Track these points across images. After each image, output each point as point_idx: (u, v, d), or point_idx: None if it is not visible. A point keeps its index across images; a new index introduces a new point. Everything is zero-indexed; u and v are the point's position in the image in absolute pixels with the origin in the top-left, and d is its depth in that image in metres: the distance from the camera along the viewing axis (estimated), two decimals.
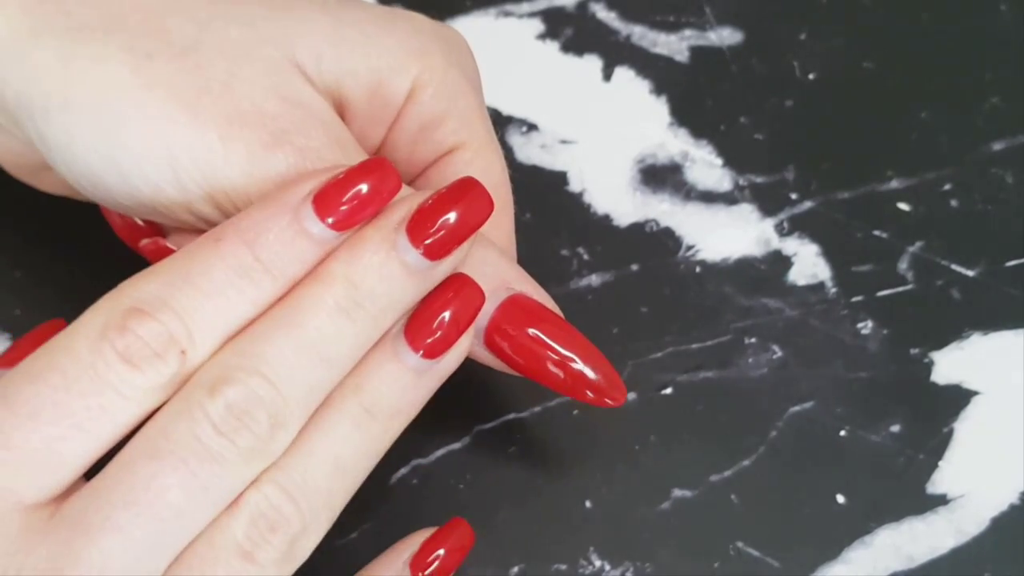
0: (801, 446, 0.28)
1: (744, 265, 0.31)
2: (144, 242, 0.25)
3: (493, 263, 0.23)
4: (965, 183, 0.33)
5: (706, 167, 0.33)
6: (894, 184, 0.33)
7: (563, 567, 0.26)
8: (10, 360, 0.24)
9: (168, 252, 0.25)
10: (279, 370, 0.19)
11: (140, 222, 0.26)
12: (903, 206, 0.32)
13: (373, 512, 0.26)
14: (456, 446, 0.27)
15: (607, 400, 0.23)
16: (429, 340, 0.21)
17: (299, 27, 0.23)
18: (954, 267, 0.31)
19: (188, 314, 0.19)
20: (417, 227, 0.20)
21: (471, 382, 0.28)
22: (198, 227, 0.23)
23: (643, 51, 0.35)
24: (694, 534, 0.27)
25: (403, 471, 0.27)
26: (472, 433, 0.28)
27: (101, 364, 0.19)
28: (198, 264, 0.20)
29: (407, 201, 0.21)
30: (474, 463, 0.27)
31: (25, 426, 0.18)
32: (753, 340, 0.30)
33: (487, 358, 0.23)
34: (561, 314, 0.24)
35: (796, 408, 0.29)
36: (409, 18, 0.24)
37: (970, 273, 0.31)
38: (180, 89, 0.21)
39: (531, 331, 0.23)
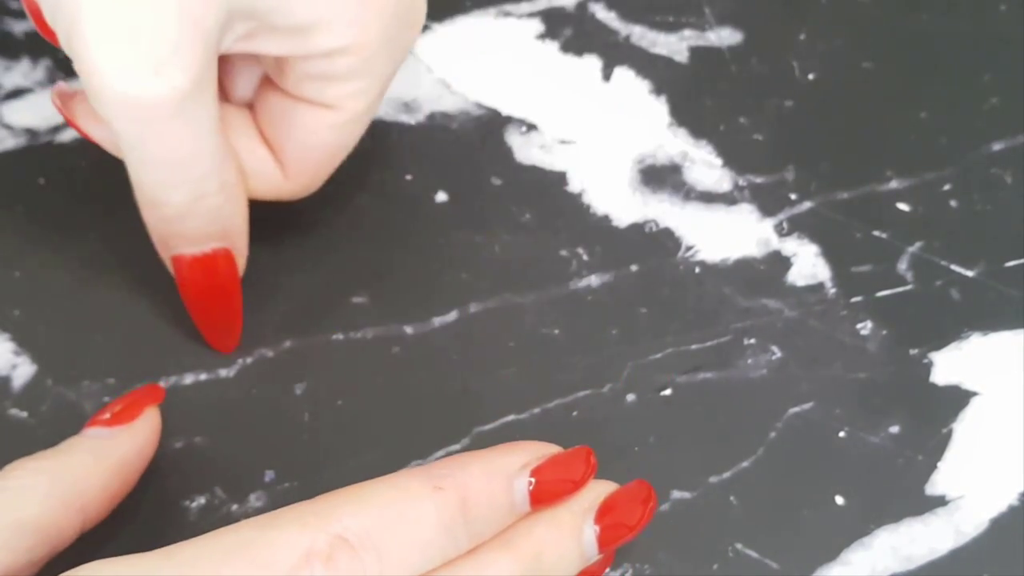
0: (800, 447, 0.28)
1: (743, 265, 0.31)
2: (57, 89, 0.26)
3: (233, 215, 0.26)
4: (965, 183, 0.33)
5: (706, 167, 0.33)
6: (894, 184, 0.33)
7: None
8: (106, 422, 0.25)
9: (63, 111, 0.26)
10: None
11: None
12: (903, 206, 0.32)
13: None
14: (455, 448, 0.27)
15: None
16: (611, 524, 0.22)
17: None
18: (954, 267, 0.31)
19: (389, 560, 0.19)
20: (604, 517, 0.22)
21: (470, 384, 0.28)
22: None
23: (643, 51, 0.35)
24: (693, 535, 0.27)
25: None
26: (471, 435, 0.28)
27: None
28: (412, 509, 0.20)
29: (595, 489, 0.22)
30: None
31: None
32: (752, 341, 0.30)
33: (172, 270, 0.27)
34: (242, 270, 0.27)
35: (795, 409, 0.29)
36: None
37: (970, 273, 0.31)
38: None
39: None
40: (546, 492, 0.21)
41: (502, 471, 0.21)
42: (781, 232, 0.32)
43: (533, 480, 0.21)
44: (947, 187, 0.33)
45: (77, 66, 0.22)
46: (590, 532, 0.22)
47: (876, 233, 0.32)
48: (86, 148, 0.32)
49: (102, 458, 0.24)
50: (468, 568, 0.20)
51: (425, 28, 0.34)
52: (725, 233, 0.32)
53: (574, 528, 0.22)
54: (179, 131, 0.23)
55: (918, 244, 0.32)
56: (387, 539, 0.19)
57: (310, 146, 0.26)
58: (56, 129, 0.32)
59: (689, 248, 0.31)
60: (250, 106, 0.28)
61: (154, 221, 0.26)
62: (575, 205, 0.32)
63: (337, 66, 0.25)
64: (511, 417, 0.28)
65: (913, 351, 0.30)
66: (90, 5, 0.21)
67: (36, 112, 0.32)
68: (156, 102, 0.22)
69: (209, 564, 0.19)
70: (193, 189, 0.24)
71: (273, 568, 0.19)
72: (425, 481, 0.20)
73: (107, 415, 0.25)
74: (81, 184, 0.31)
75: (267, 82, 0.27)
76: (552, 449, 0.22)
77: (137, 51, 0.22)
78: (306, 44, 0.24)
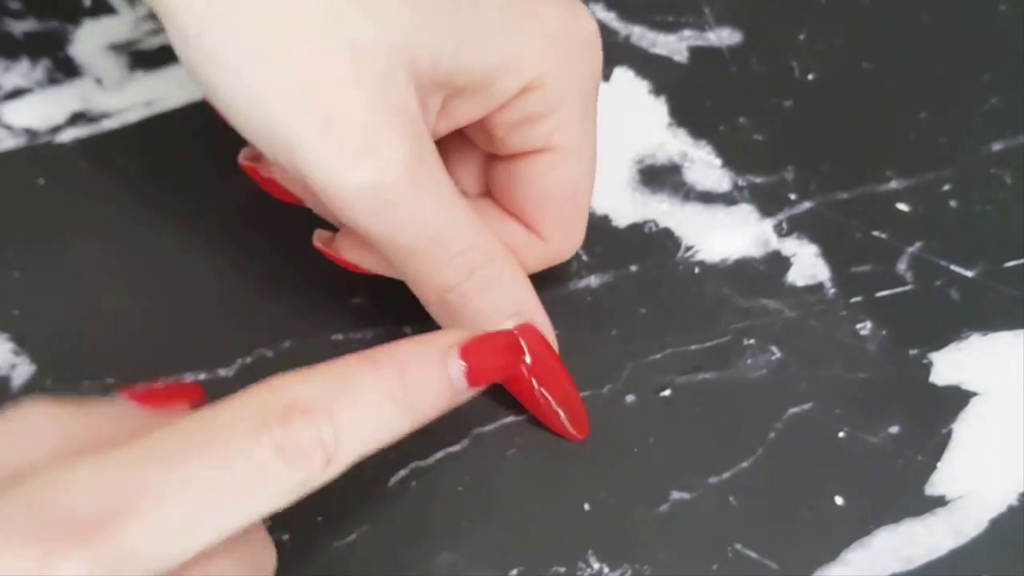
0: (800, 447, 0.28)
1: (743, 266, 0.31)
2: (243, 157, 0.27)
3: (517, 288, 0.26)
4: (964, 184, 0.33)
5: (705, 167, 0.33)
6: (893, 185, 0.33)
7: (562, 569, 0.26)
8: (139, 398, 0.24)
9: (256, 174, 0.27)
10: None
11: None
12: (902, 207, 0.32)
13: (371, 515, 0.26)
14: (455, 448, 0.27)
15: (566, 433, 0.28)
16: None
17: (423, 28, 0.23)
18: (953, 268, 0.31)
19: (341, 424, 0.20)
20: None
21: None
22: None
23: (642, 51, 0.35)
24: (693, 536, 0.27)
25: (402, 473, 0.27)
26: (471, 435, 0.28)
27: (257, 451, 0.19)
28: (355, 379, 0.21)
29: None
30: (473, 465, 0.27)
31: (176, 493, 0.18)
32: (752, 341, 0.30)
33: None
34: (556, 347, 0.27)
35: (795, 409, 0.29)
36: (540, 16, 0.25)
37: (969, 274, 0.31)
38: (298, 74, 0.22)
39: (527, 360, 0.26)
40: (479, 374, 0.23)
41: (433, 349, 0.23)
42: (781, 232, 0.32)
43: (464, 363, 0.23)
44: (947, 187, 0.33)
45: (311, 184, 0.23)
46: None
47: (876, 233, 0.32)
48: (86, 148, 0.32)
49: (119, 432, 0.22)
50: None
51: None
52: (725, 233, 0.32)
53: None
54: (419, 206, 0.23)
55: (918, 244, 0.32)
56: (335, 406, 0.20)
57: (547, 195, 0.27)
58: (56, 129, 0.32)
59: (689, 248, 0.31)
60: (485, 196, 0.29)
61: (448, 319, 0.26)
62: None
63: (531, 104, 0.25)
64: (511, 418, 0.28)
65: (913, 351, 0.30)
66: (293, 119, 0.22)
67: (36, 112, 0.32)
68: (382, 181, 0.23)
69: (167, 449, 0.19)
70: (462, 264, 0.25)
71: (228, 436, 0.19)
72: (362, 359, 0.22)
73: (142, 390, 0.24)
74: (81, 184, 0.31)
75: (487, 162, 0.28)
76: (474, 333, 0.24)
77: (350, 139, 0.22)
78: (494, 95, 0.25)
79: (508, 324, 0.26)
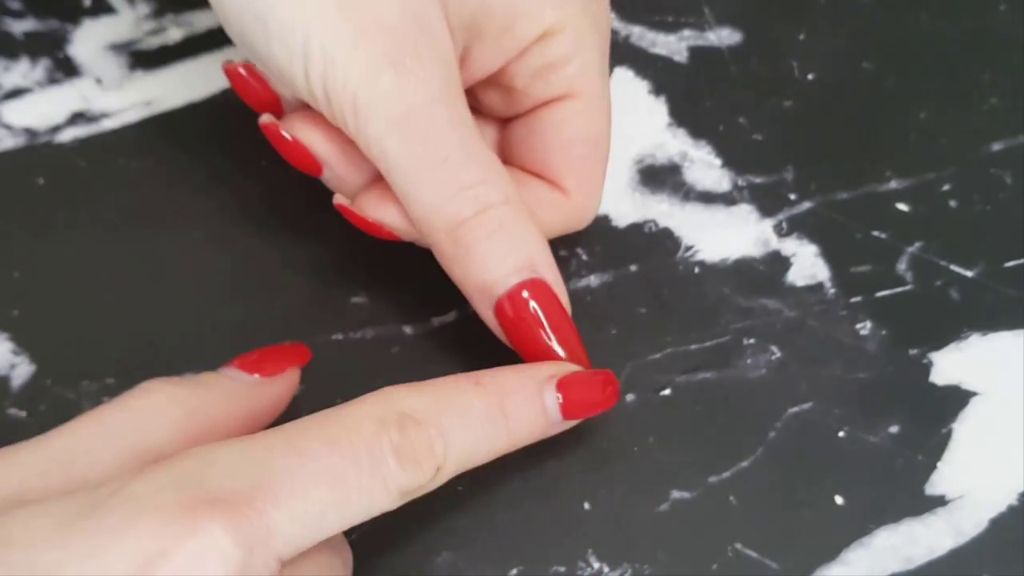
0: (800, 447, 0.28)
1: (743, 266, 0.31)
2: (264, 118, 0.26)
3: (531, 240, 0.25)
4: (964, 184, 0.33)
5: (705, 167, 0.33)
6: (893, 184, 0.33)
7: (562, 569, 0.26)
8: (250, 365, 0.25)
9: (279, 136, 0.26)
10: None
11: (277, 91, 0.27)
12: (902, 206, 0.32)
13: None
14: None
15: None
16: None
17: None
18: (953, 268, 0.31)
19: (449, 437, 0.22)
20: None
21: None
22: (314, 106, 0.25)
23: (642, 51, 0.35)
24: (692, 535, 0.27)
25: None
26: None
27: (377, 451, 0.20)
28: (461, 397, 0.22)
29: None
30: None
31: (312, 481, 0.19)
32: (752, 341, 0.30)
33: (492, 323, 0.25)
34: (569, 308, 0.26)
35: (795, 409, 0.29)
36: None
37: (969, 274, 0.31)
38: None
39: (535, 318, 0.25)
40: (574, 407, 0.24)
41: (533, 379, 0.24)
42: (780, 232, 0.32)
43: (560, 395, 0.24)
44: (947, 187, 0.33)
45: (339, 102, 0.24)
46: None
47: (876, 233, 0.32)
48: (85, 148, 0.32)
49: (236, 405, 0.23)
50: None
51: None
52: (724, 233, 0.32)
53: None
54: (438, 124, 0.24)
55: (918, 244, 0.32)
56: (443, 419, 0.22)
57: (569, 142, 0.27)
58: (55, 129, 0.32)
59: (688, 248, 0.31)
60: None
61: (457, 264, 0.25)
62: None
63: (552, 49, 0.26)
64: None
65: (913, 351, 0.30)
66: (329, 30, 0.23)
67: (35, 112, 0.32)
68: (405, 92, 0.23)
69: (301, 440, 0.20)
70: (474, 197, 0.24)
71: (355, 435, 0.20)
72: (468, 378, 0.23)
73: (254, 358, 0.24)
74: (81, 184, 0.31)
75: (502, 133, 0.29)
76: (574, 368, 0.25)
77: (381, 49, 0.23)
78: (514, 38, 0.25)
79: (515, 278, 0.24)
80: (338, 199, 0.27)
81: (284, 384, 0.25)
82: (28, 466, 0.20)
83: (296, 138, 0.26)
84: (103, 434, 0.21)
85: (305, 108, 0.26)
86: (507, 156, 0.28)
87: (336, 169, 0.26)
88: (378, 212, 0.26)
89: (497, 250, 0.24)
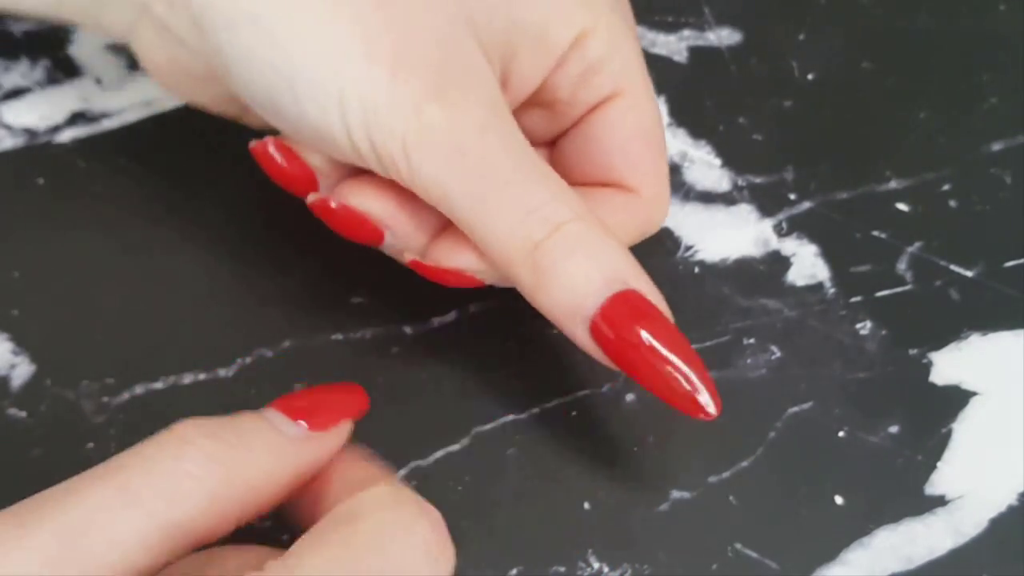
0: (799, 447, 0.28)
1: (743, 265, 0.31)
2: (311, 197, 0.25)
3: (612, 251, 0.23)
4: (964, 183, 0.33)
5: (705, 167, 0.33)
6: (893, 184, 0.33)
7: (561, 569, 0.26)
8: (294, 410, 0.21)
9: (329, 209, 0.25)
10: None
11: (312, 165, 0.25)
12: (902, 206, 0.32)
13: None
14: (455, 448, 0.27)
15: (700, 410, 0.23)
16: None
17: None
18: (953, 267, 0.31)
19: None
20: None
21: (470, 384, 0.28)
22: (358, 163, 0.24)
23: (642, 51, 0.35)
24: (692, 535, 0.27)
25: (401, 473, 0.27)
26: (471, 435, 0.28)
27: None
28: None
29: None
30: (473, 465, 0.27)
31: None
32: (752, 341, 0.30)
33: (591, 347, 0.23)
34: (671, 316, 0.24)
35: (795, 409, 0.29)
36: None
37: (969, 274, 0.31)
38: (363, 24, 0.22)
39: (637, 330, 0.23)
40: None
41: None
42: (780, 232, 0.32)
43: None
44: (946, 187, 0.33)
45: (384, 143, 0.23)
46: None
47: (875, 233, 0.32)
48: (85, 148, 0.32)
49: (281, 465, 0.20)
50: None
51: None
52: (724, 233, 0.32)
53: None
54: (492, 151, 0.23)
55: (917, 244, 0.32)
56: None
57: (628, 139, 0.26)
58: (55, 129, 0.32)
59: (688, 248, 0.31)
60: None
61: (542, 291, 0.23)
62: None
63: (590, 51, 0.25)
64: (511, 417, 0.28)
65: (912, 351, 0.30)
66: (363, 73, 0.22)
67: (35, 112, 0.32)
68: (453, 123, 0.22)
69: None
70: (543, 218, 0.23)
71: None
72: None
73: (303, 403, 0.21)
74: (81, 184, 0.31)
75: (554, 149, 0.28)
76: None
77: (422, 81, 0.22)
78: (550, 48, 0.25)
79: (606, 292, 0.22)
80: (408, 255, 0.25)
81: (334, 440, 0.21)
82: (38, 551, 0.17)
83: (347, 206, 0.25)
84: (126, 503, 0.18)
85: (346, 177, 0.25)
86: (565, 176, 0.26)
87: (397, 228, 0.25)
88: (454, 259, 0.25)
89: (579, 268, 0.23)
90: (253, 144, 0.25)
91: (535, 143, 0.28)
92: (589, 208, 0.23)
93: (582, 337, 0.23)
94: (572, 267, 0.22)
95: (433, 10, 0.23)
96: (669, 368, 0.23)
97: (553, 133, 0.28)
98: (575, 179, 0.27)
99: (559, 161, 0.28)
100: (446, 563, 0.20)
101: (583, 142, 0.27)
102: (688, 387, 0.23)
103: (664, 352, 0.23)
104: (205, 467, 0.18)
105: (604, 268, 0.23)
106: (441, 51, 0.23)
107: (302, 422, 0.21)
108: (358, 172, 0.25)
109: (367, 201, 0.25)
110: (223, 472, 0.19)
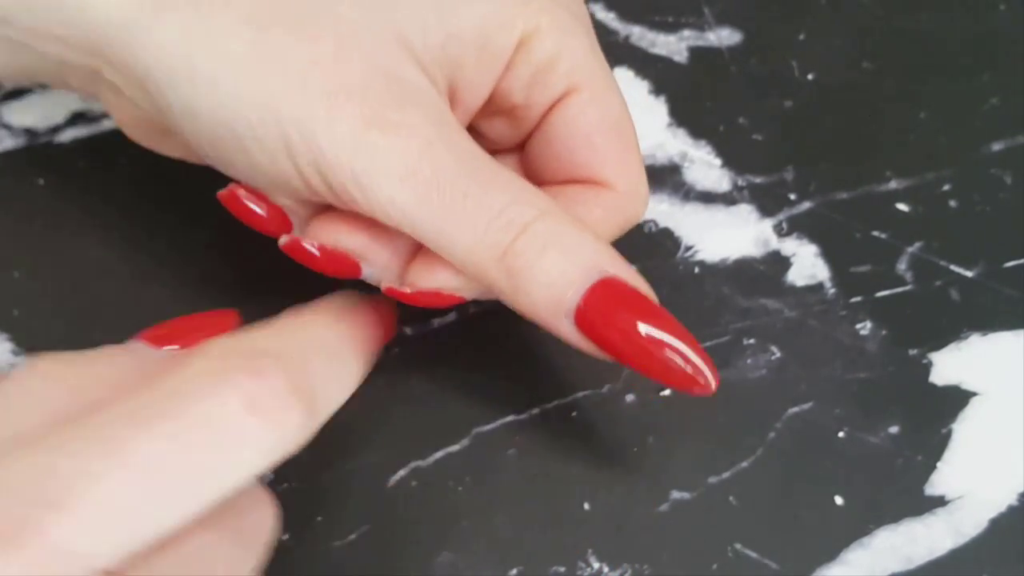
0: (800, 447, 0.28)
1: (743, 266, 0.31)
2: (283, 240, 0.25)
3: (585, 241, 0.23)
4: (964, 184, 0.33)
5: (705, 167, 0.33)
6: (893, 185, 0.33)
7: (561, 569, 0.26)
8: (156, 338, 0.22)
9: (302, 250, 0.25)
10: None
11: (280, 205, 0.25)
12: (902, 207, 0.32)
13: (371, 515, 0.26)
14: (455, 448, 0.27)
15: (698, 385, 0.23)
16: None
17: (399, 5, 0.23)
18: (953, 268, 0.31)
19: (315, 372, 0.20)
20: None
21: (470, 384, 0.28)
22: (319, 200, 0.24)
23: (642, 51, 0.35)
24: (692, 536, 0.27)
25: (401, 473, 0.27)
26: (471, 435, 0.28)
27: (220, 412, 0.18)
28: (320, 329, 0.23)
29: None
30: (473, 465, 0.27)
31: (114, 479, 0.16)
32: (752, 341, 0.30)
33: (580, 341, 0.23)
34: (655, 298, 0.23)
35: (795, 409, 0.29)
36: None
37: (969, 274, 0.31)
38: (292, 62, 0.22)
39: (623, 315, 0.22)
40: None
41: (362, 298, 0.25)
42: (780, 232, 0.32)
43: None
44: (946, 187, 0.33)
45: (334, 176, 0.23)
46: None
47: (875, 233, 0.32)
48: (85, 148, 0.32)
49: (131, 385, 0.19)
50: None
51: None
52: (724, 233, 0.32)
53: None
54: (444, 165, 0.23)
55: (917, 244, 0.32)
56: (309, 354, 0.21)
57: (592, 132, 0.25)
58: (55, 129, 0.32)
59: (688, 248, 0.31)
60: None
61: (522, 294, 0.23)
62: None
63: (536, 52, 0.25)
64: (511, 417, 0.28)
65: (912, 351, 0.30)
66: (300, 109, 0.22)
67: (36, 112, 0.32)
68: (398, 145, 0.22)
69: (110, 425, 0.17)
70: (508, 222, 0.22)
71: (190, 397, 0.18)
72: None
73: (165, 330, 0.22)
74: (80, 184, 0.31)
75: (523, 154, 0.27)
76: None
77: (357, 108, 0.22)
78: (494, 56, 0.24)
79: (584, 283, 0.22)
80: (386, 284, 0.25)
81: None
82: None
83: (321, 245, 0.25)
84: None
85: (315, 214, 0.25)
86: (537, 178, 0.27)
87: (372, 258, 0.25)
88: (431, 280, 0.24)
89: (554, 264, 0.22)
90: (221, 192, 0.25)
91: (503, 150, 0.28)
92: (559, 205, 0.23)
93: (569, 332, 0.23)
94: (547, 264, 0.22)
95: (360, 36, 0.23)
96: (664, 349, 0.22)
97: (519, 138, 0.27)
98: (547, 180, 0.27)
99: (529, 164, 0.27)
100: (278, 421, 0.18)
101: (548, 142, 0.26)
102: (683, 363, 0.23)
103: (655, 332, 0.22)
104: (42, 385, 0.19)
105: (578, 260, 0.22)
106: (375, 76, 0.22)
107: (167, 348, 0.21)
108: (326, 208, 0.25)
109: (338, 236, 0.25)
110: (65, 389, 0.19)
